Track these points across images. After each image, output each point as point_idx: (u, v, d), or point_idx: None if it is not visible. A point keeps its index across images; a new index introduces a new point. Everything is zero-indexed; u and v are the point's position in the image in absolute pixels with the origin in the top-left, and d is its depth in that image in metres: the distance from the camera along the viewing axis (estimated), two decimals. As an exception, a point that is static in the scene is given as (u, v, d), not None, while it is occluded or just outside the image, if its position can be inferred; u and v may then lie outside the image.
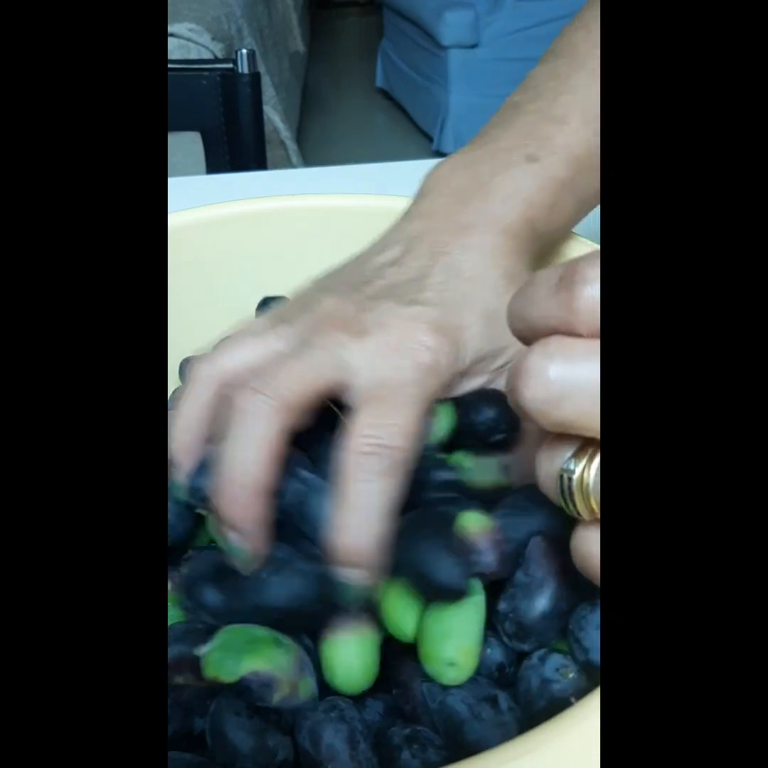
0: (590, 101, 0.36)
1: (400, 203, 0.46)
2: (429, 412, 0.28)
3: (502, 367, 0.32)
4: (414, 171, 0.67)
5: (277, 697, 0.23)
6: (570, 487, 0.21)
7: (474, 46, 2.49)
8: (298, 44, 2.79)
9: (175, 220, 0.45)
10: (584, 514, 0.21)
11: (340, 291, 0.31)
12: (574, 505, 0.21)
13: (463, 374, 0.31)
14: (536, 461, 0.23)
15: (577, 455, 0.21)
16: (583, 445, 0.21)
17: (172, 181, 0.64)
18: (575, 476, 0.21)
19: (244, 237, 0.46)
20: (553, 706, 0.24)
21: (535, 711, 0.24)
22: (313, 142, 2.79)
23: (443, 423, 0.30)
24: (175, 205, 0.41)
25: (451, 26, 2.45)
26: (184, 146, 0.99)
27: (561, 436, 0.22)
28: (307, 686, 0.24)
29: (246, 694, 0.23)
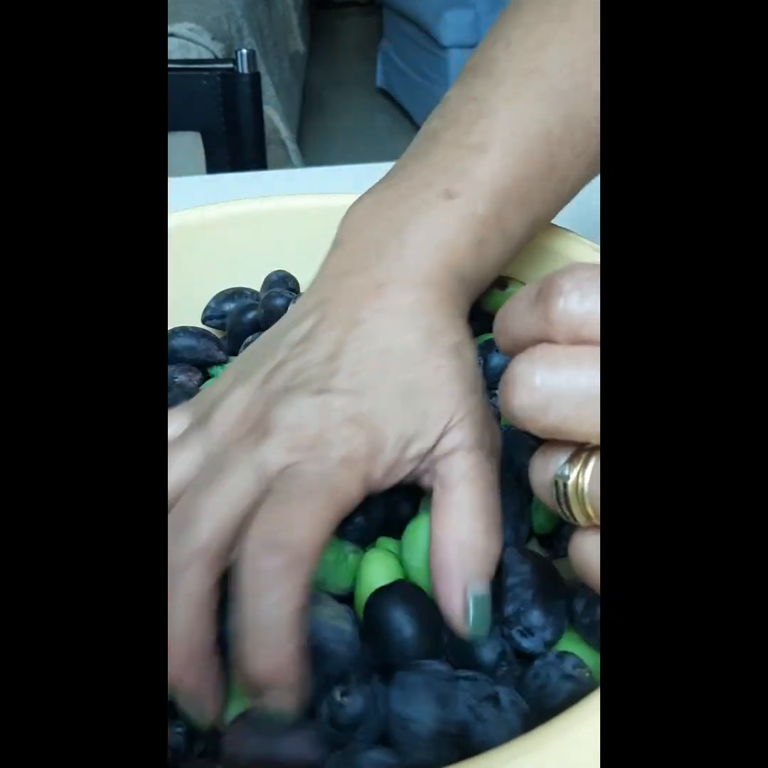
0: (511, 125, 0.32)
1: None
2: (344, 511, 0.25)
3: (426, 454, 0.27)
4: (414, 171, 0.66)
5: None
6: (565, 493, 0.21)
7: (474, 46, 2.48)
8: (298, 44, 2.79)
9: (175, 220, 0.45)
10: (580, 519, 0.21)
11: (250, 380, 0.28)
12: (570, 511, 0.21)
13: (392, 464, 0.26)
14: (530, 468, 0.23)
15: (571, 461, 0.21)
16: (578, 450, 0.21)
17: (172, 181, 0.64)
18: (570, 482, 0.21)
19: (244, 237, 0.46)
20: (571, 701, 0.24)
21: (552, 706, 0.25)
22: (313, 142, 2.79)
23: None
24: (175, 205, 0.41)
25: (451, 26, 2.45)
26: (184, 146, 0.99)
27: (554, 442, 0.22)
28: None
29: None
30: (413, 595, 0.26)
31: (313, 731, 0.24)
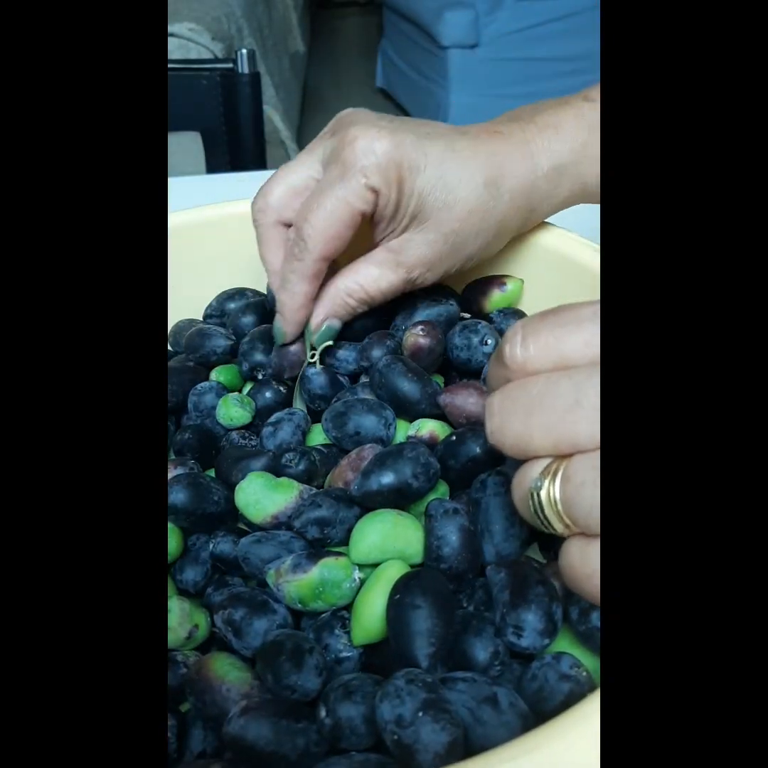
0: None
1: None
2: (352, 216, 0.34)
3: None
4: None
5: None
6: (540, 503, 0.22)
7: (474, 46, 2.49)
8: (298, 44, 2.79)
9: (175, 219, 0.45)
10: (559, 527, 0.22)
11: None
12: (548, 521, 0.22)
13: (403, 215, 0.35)
14: (512, 488, 0.24)
15: (543, 473, 0.22)
16: (550, 463, 0.22)
17: (172, 181, 0.64)
18: (543, 492, 0.22)
19: (244, 237, 0.46)
20: (570, 701, 0.24)
21: (552, 706, 0.25)
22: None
23: None
24: (175, 205, 0.41)
25: (451, 26, 2.45)
26: (184, 146, 0.99)
27: (531, 460, 0.23)
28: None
29: None
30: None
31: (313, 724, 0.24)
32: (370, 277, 0.37)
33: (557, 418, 0.21)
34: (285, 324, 0.38)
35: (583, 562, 0.22)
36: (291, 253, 0.36)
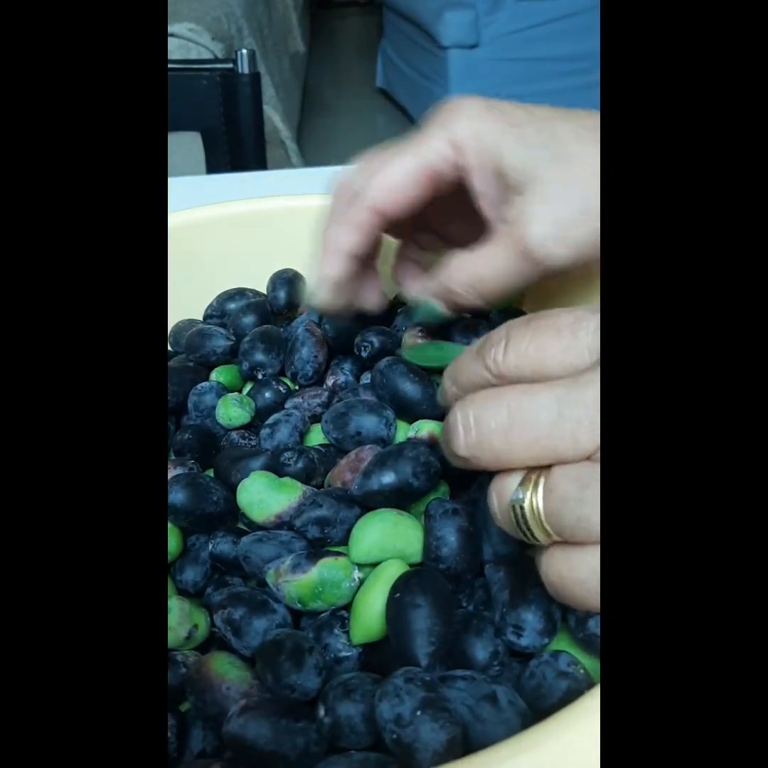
0: None
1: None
2: (427, 176, 0.30)
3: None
4: (414, 171, 0.66)
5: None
6: (524, 516, 0.22)
7: (474, 46, 2.49)
8: (298, 44, 2.79)
9: (175, 219, 0.45)
10: (541, 538, 0.22)
11: None
12: (531, 532, 0.22)
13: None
14: (488, 500, 0.24)
15: (523, 484, 0.22)
16: (527, 473, 0.22)
17: (172, 181, 0.64)
18: (526, 504, 0.22)
19: (244, 237, 0.46)
20: (568, 698, 0.24)
21: (550, 703, 0.25)
22: (313, 142, 2.79)
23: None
24: (175, 205, 0.41)
25: (451, 26, 2.45)
26: (184, 146, 0.99)
27: (504, 471, 0.23)
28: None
29: None
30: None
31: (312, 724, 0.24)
32: (477, 258, 0.30)
33: (541, 433, 0.21)
34: (321, 270, 0.33)
35: (572, 569, 0.22)
36: (345, 202, 0.32)
